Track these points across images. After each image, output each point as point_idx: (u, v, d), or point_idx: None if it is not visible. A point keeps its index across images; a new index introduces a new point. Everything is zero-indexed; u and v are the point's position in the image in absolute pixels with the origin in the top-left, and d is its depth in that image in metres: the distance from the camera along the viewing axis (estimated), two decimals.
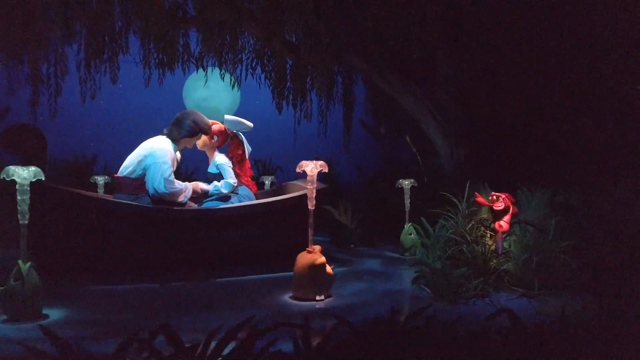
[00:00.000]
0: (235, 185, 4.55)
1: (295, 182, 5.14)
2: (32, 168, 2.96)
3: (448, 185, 5.74)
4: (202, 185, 4.54)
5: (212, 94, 8.56)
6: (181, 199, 4.21)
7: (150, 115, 8.17)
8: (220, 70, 6.90)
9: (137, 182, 4.19)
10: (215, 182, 4.54)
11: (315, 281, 3.31)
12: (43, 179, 2.99)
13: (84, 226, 3.70)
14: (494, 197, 3.49)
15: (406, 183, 5.07)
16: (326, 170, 3.48)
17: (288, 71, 7.17)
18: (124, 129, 7.95)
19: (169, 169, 4.12)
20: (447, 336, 1.99)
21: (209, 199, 4.55)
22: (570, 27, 4.76)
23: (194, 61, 6.83)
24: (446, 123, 6.04)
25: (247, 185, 4.69)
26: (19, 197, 2.93)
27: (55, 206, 3.61)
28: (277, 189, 5.26)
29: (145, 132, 6.91)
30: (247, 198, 4.59)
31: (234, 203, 4.47)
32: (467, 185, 3.75)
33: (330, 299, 3.39)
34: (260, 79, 7.11)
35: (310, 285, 3.32)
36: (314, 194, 3.49)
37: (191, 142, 4.45)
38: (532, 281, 3.35)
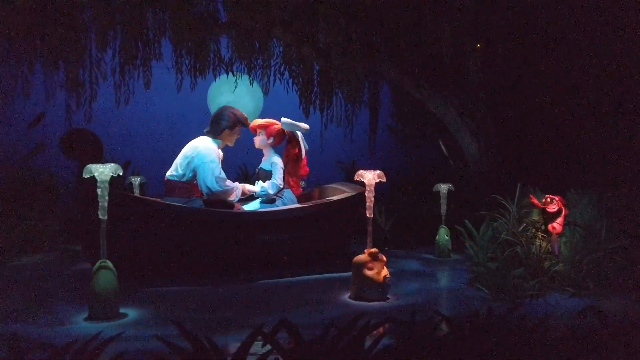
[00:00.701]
0: (282, 187, 4.68)
1: (334, 184, 5.25)
2: (111, 164, 3.06)
3: (478, 188, 5.87)
4: (249, 187, 4.65)
5: (235, 99, 8.64)
6: (232, 197, 4.32)
7: (176, 119, 8.30)
8: (249, 76, 7.03)
9: (189, 185, 4.30)
10: (262, 184, 4.66)
11: (373, 282, 3.42)
12: (121, 173, 3.08)
13: (153, 231, 3.80)
14: (548, 199, 3.60)
15: (443, 187, 5.18)
16: (384, 180, 3.58)
17: (315, 76, 7.31)
18: (151, 133, 8.06)
19: (218, 167, 4.25)
20: (540, 332, 2.09)
21: (255, 200, 4.66)
22: (605, 30, 4.88)
23: (224, 67, 6.96)
24: (476, 127, 6.16)
25: (292, 187, 4.81)
26: (99, 193, 3.02)
27: (127, 213, 3.71)
28: (316, 191, 5.35)
29: (171, 136, 7.02)
30: (290, 201, 4.71)
31: (279, 206, 4.59)
32: (518, 188, 3.85)
33: (390, 299, 3.48)
34: (287, 84, 7.24)
35: (369, 285, 3.42)
36: (372, 202, 3.58)
37: (232, 138, 4.53)
38: (583, 282, 3.46)
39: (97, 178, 3.01)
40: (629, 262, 3.44)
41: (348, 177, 7.56)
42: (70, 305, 3.29)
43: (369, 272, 3.40)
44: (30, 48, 6.19)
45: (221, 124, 4.43)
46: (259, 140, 4.75)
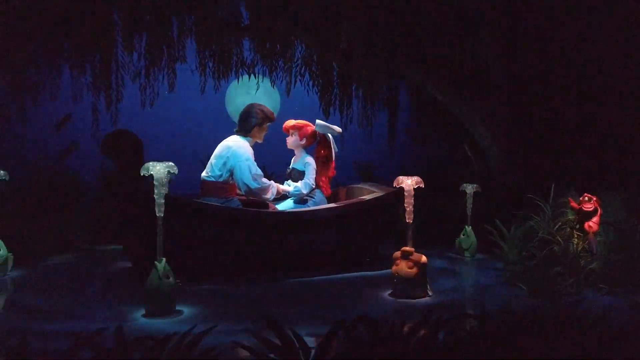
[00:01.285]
0: (314, 187, 4.77)
1: (361, 185, 5.34)
2: (167, 162, 3.15)
3: (501, 189, 5.96)
4: (282, 187, 4.74)
5: (253, 100, 8.76)
6: (269, 195, 4.42)
7: (195, 120, 8.36)
8: (270, 77, 7.13)
9: (227, 185, 4.39)
10: (295, 184, 4.75)
11: (416, 280, 3.51)
12: (176, 172, 3.17)
13: (202, 232, 3.91)
14: (586, 197, 3.69)
15: (469, 187, 5.26)
16: (422, 185, 3.67)
17: (335, 78, 7.40)
18: (170, 133, 8.13)
19: (254, 164, 4.35)
20: (601, 327, 2.19)
21: (286, 200, 4.76)
22: (625, 32, 4.96)
23: (246, 69, 7.04)
24: (498, 130, 6.24)
25: (322, 188, 4.90)
26: (156, 191, 3.11)
27: (180, 215, 3.81)
28: (342, 191, 5.42)
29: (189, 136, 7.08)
30: (321, 202, 4.80)
31: (310, 206, 4.68)
32: (552, 188, 3.94)
33: (430, 297, 3.57)
34: (308, 85, 7.33)
35: (411, 283, 3.52)
36: (412, 208, 3.66)
37: (261, 135, 4.60)
38: (618, 279, 3.56)
39: (154, 176, 3.10)
40: None
41: (364, 178, 7.63)
42: (120, 303, 3.38)
43: (411, 270, 3.49)
44: (58, 49, 6.30)
45: (250, 121, 4.51)
46: (291, 141, 4.84)
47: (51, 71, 6.31)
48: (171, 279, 3.11)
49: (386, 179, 8.04)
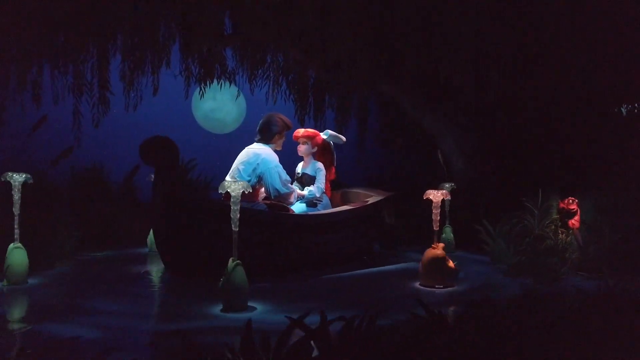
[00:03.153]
0: (324, 191, 5.18)
1: (356, 189, 5.83)
2: (242, 182, 3.43)
3: (463, 195, 6.72)
4: (299, 192, 5.07)
5: (219, 106, 8.93)
6: (292, 199, 4.76)
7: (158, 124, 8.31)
8: (250, 85, 7.41)
9: (253, 190, 4.64)
10: (309, 188, 5.10)
11: (440, 271, 4.07)
12: (251, 190, 3.44)
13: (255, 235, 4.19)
14: (570, 200, 4.47)
15: (447, 187, 5.93)
16: (448, 198, 4.24)
17: (310, 88, 7.81)
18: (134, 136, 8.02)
19: (283, 171, 4.67)
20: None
21: (297, 202, 5.11)
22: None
23: (226, 76, 7.24)
24: (463, 140, 7.00)
25: (326, 191, 5.31)
26: (232, 207, 3.37)
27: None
28: (337, 196, 5.82)
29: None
30: (327, 205, 5.22)
31: (319, 209, 5.08)
32: (540, 192, 4.69)
33: (454, 287, 4.13)
34: (285, 94, 7.68)
35: (436, 274, 4.07)
36: (438, 217, 4.20)
37: (280, 142, 4.88)
38: (595, 266, 4.35)
39: (231, 194, 3.37)
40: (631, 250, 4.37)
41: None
42: (191, 303, 3.55)
43: (444, 263, 4.04)
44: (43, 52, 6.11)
45: (272, 130, 4.78)
46: (304, 149, 5.17)
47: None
48: (245, 277, 3.38)
49: (357, 184, 8.55)
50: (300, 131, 5.24)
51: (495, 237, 4.99)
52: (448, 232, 5.84)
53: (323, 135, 5.25)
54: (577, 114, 5.91)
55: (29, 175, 4.03)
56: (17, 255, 3.88)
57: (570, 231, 4.48)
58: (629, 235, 4.42)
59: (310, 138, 5.18)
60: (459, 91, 6.71)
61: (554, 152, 5.77)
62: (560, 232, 4.54)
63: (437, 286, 4.05)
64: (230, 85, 7.27)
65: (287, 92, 7.64)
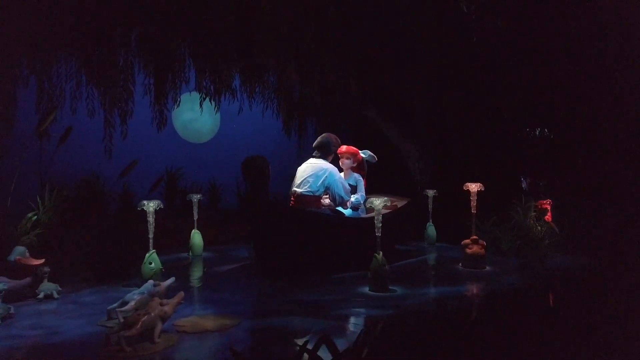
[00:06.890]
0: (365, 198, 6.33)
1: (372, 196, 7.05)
2: (384, 198, 4.56)
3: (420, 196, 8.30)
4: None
5: (196, 117, 9.44)
6: (348, 205, 5.86)
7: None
8: (249, 101, 8.25)
9: (318, 198, 5.62)
10: (354, 195, 6.18)
11: (483, 256, 5.54)
12: (389, 204, 4.54)
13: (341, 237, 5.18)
14: (547, 200, 6.29)
15: (430, 192, 7.40)
16: (483, 189, 5.68)
17: (295, 106, 8.80)
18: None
19: (345, 181, 5.76)
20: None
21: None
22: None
23: (230, 93, 7.97)
24: (422, 149, 8.53)
25: None
26: (375, 217, 4.47)
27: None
28: None
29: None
30: (364, 210, 6.38)
31: (360, 213, 6.22)
32: (522, 198, 6.44)
33: (486, 268, 5.60)
34: (271, 109, 8.62)
35: (478, 258, 5.51)
36: (475, 203, 5.63)
37: (331, 158, 5.89)
38: (566, 247, 6.19)
39: (374, 208, 4.49)
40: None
41: None
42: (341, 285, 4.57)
43: (479, 250, 5.49)
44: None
45: (331, 149, 5.84)
46: (347, 163, 6.21)
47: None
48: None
49: None
50: (344, 148, 6.28)
51: (487, 229, 6.59)
52: (431, 229, 7.36)
53: (362, 154, 6.40)
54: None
55: (159, 202, 4.75)
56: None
57: (547, 223, 6.30)
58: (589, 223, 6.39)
59: (353, 155, 6.26)
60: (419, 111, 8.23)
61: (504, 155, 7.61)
62: (537, 225, 6.33)
63: (476, 269, 5.50)
64: (233, 100, 8.00)
65: (277, 109, 8.58)
